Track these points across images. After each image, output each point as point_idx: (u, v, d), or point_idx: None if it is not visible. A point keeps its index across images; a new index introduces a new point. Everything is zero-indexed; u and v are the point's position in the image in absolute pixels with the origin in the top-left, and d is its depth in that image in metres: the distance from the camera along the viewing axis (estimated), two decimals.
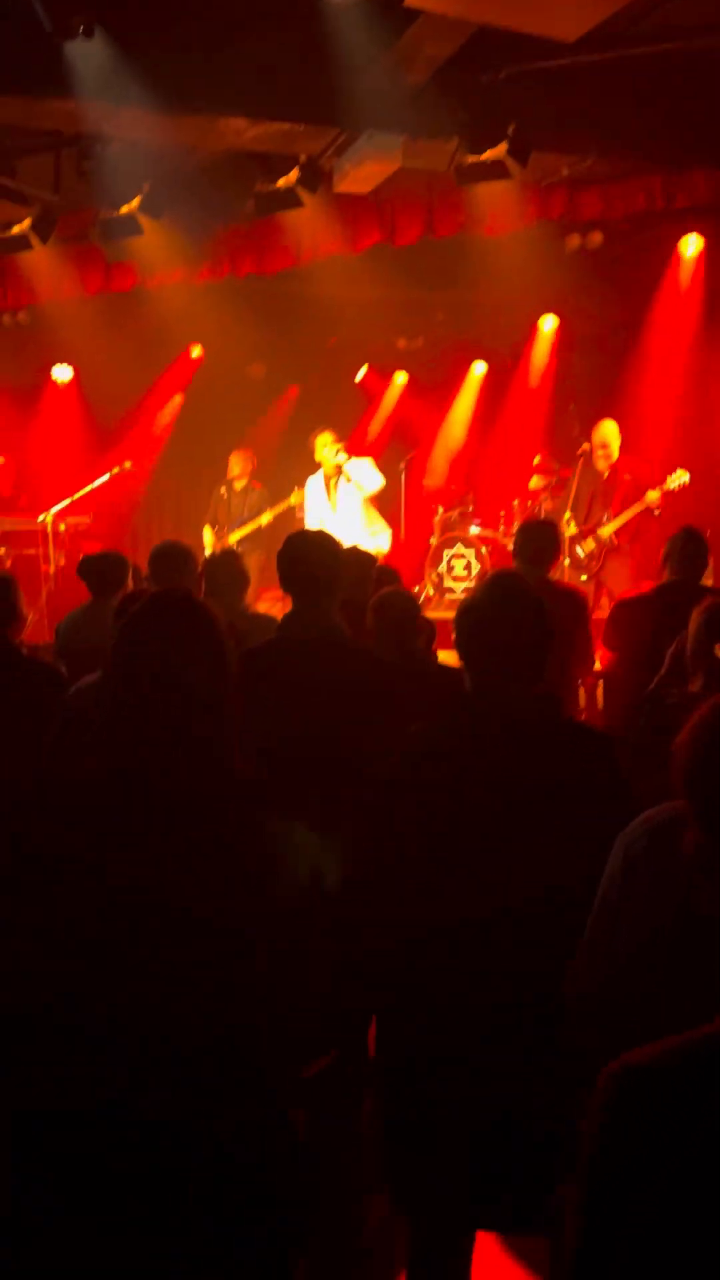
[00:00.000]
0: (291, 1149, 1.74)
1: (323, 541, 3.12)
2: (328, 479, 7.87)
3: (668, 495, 7.20)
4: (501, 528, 9.47)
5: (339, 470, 7.76)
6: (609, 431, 7.63)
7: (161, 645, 1.71)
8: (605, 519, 7.43)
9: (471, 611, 2.17)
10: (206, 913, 1.61)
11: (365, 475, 7.75)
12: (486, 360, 11.26)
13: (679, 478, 7.16)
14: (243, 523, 8.94)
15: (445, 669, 3.76)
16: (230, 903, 1.63)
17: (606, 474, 7.53)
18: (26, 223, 7.00)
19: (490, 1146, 2.02)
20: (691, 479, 7.24)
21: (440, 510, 9.87)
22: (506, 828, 2.03)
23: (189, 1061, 1.58)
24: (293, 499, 8.44)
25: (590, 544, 7.43)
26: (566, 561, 7.48)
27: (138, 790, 1.67)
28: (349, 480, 7.73)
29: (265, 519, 8.81)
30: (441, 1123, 2.05)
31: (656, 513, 7.24)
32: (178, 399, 11.26)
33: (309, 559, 3.01)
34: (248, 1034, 1.63)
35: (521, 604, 2.16)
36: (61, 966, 1.61)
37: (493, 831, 2.03)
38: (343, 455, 7.77)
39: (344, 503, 7.90)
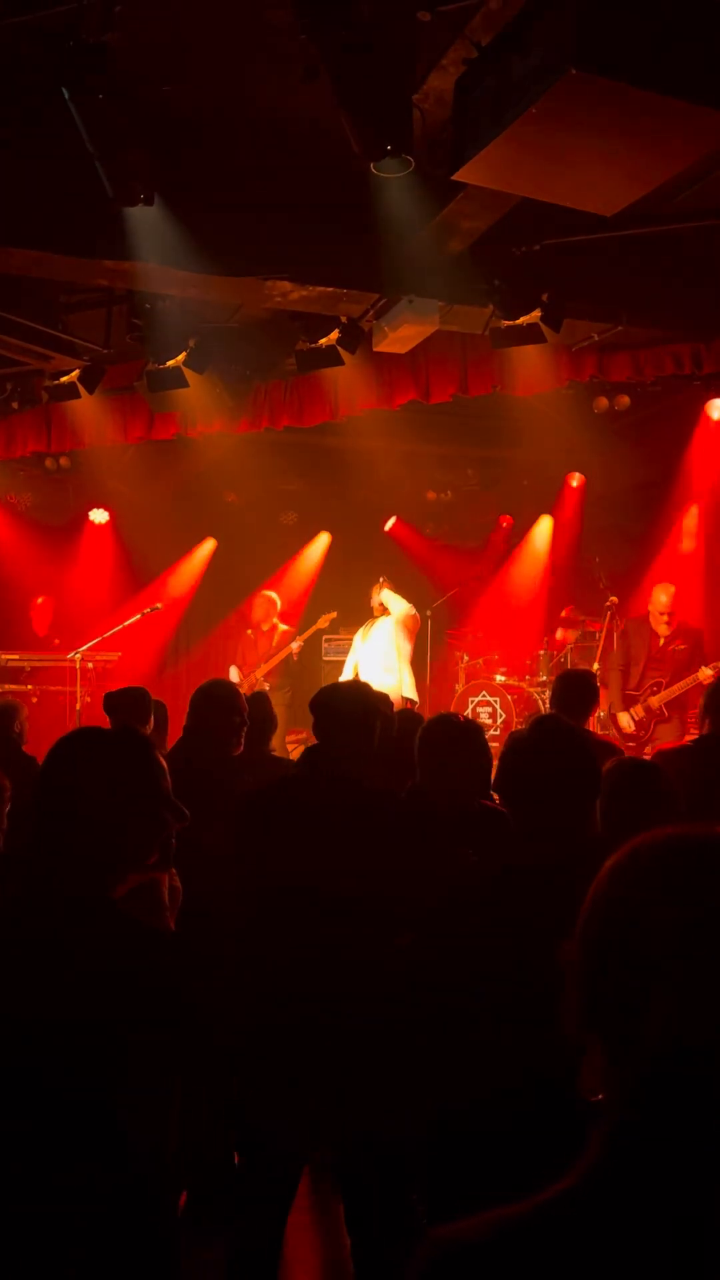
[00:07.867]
0: None
1: (356, 692, 3.06)
2: (370, 622, 8.43)
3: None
4: (527, 677, 9.47)
5: (380, 607, 8.37)
6: (671, 595, 7.54)
7: (52, 766, 1.81)
8: (657, 688, 7.33)
9: (519, 753, 2.12)
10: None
11: (394, 602, 8.36)
12: (514, 514, 11.49)
13: None
14: (269, 658, 9.10)
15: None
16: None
17: (663, 640, 7.45)
18: (75, 373, 7.29)
19: None
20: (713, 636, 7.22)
21: (465, 658, 9.90)
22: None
23: None
24: (320, 624, 9.04)
25: (640, 712, 7.32)
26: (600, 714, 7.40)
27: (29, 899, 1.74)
28: (380, 604, 8.36)
29: (292, 648, 9.14)
30: None
31: (709, 677, 7.15)
32: (210, 543, 11.49)
33: (339, 709, 2.92)
34: None
35: (570, 747, 2.11)
36: None
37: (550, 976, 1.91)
38: (386, 592, 8.43)
39: (376, 637, 8.31)
